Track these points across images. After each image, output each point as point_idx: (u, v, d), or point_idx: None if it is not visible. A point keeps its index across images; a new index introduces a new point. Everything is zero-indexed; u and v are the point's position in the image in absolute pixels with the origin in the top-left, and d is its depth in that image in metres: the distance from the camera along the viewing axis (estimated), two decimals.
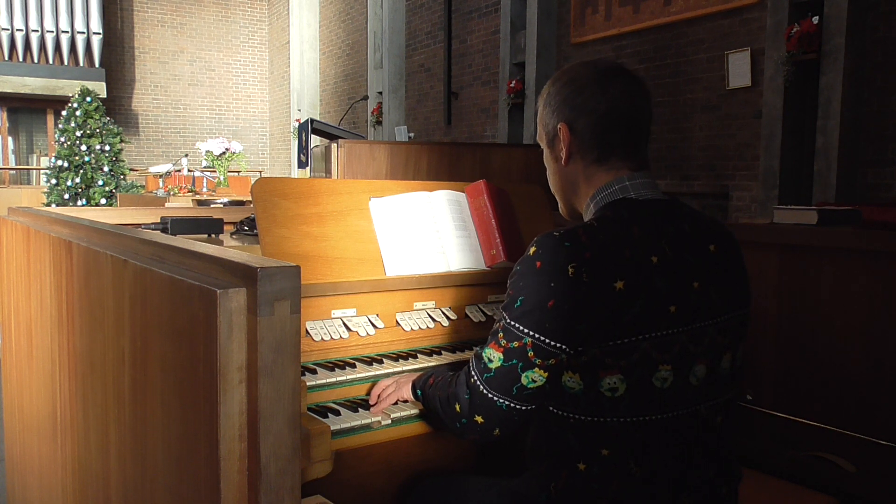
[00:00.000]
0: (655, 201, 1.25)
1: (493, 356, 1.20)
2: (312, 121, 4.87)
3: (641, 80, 1.31)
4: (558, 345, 1.14)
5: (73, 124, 10.07)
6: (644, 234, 1.19)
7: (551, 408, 1.21)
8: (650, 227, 1.20)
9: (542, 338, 1.15)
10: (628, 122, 1.27)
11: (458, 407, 1.26)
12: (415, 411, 1.43)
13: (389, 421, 1.41)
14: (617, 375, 1.14)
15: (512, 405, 1.20)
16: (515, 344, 1.17)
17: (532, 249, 1.18)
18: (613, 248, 1.16)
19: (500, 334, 1.20)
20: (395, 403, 1.46)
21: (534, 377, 1.17)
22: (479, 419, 1.23)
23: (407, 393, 1.45)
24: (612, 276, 1.13)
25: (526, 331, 1.16)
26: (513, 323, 1.18)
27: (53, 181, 10.06)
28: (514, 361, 1.17)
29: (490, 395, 1.20)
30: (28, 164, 13.34)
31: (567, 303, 1.13)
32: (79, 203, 9.96)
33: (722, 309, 1.22)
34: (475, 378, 1.23)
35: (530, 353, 1.16)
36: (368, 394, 1.51)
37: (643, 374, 1.15)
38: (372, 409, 1.45)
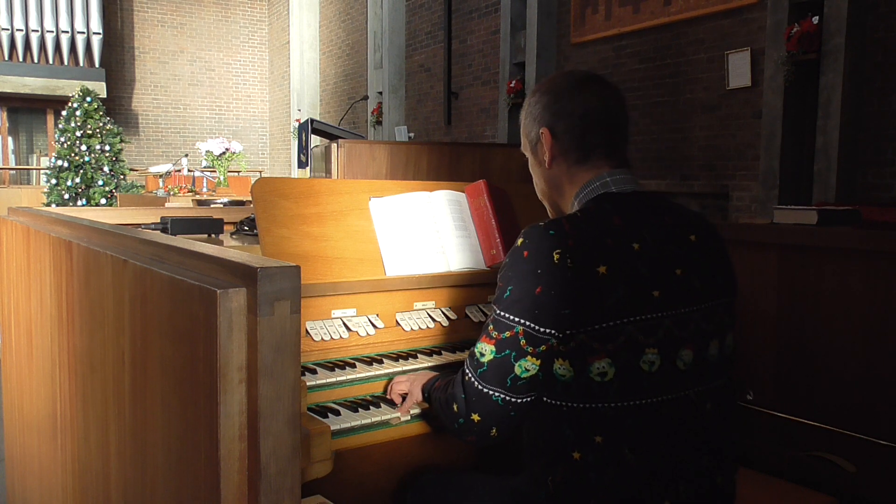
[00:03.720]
0: (636, 193, 1.31)
1: (486, 349, 1.22)
2: (312, 121, 4.86)
3: (615, 86, 1.38)
4: (548, 330, 1.17)
5: (73, 124, 10.07)
6: (625, 224, 1.23)
7: (544, 398, 1.22)
8: (631, 218, 1.25)
9: (532, 325, 1.17)
10: (605, 124, 1.33)
11: (455, 407, 1.27)
12: (413, 411, 1.44)
13: (383, 419, 1.41)
14: (605, 360, 1.17)
15: (507, 398, 1.21)
16: (507, 334, 1.19)
17: (519, 241, 1.23)
18: (595, 235, 1.20)
19: (491, 327, 1.22)
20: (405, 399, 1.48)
21: (527, 366, 1.19)
22: (475, 417, 1.24)
23: (417, 394, 1.46)
24: (595, 261, 1.17)
25: (516, 319, 1.18)
26: (502, 313, 1.21)
27: (53, 181, 10.05)
28: (507, 352, 1.19)
29: (485, 390, 1.22)
30: (28, 164, 13.33)
31: (553, 288, 1.16)
32: (79, 203, 9.96)
33: (706, 296, 1.25)
34: (469, 375, 1.25)
35: (522, 342, 1.18)
36: (371, 394, 1.51)
37: (630, 357, 1.17)
38: (388, 393, 1.48)
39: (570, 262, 1.16)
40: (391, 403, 1.48)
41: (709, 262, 1.28)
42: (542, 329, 1.17)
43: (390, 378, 1.54)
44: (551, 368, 1.19)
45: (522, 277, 1.19)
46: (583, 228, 1.21)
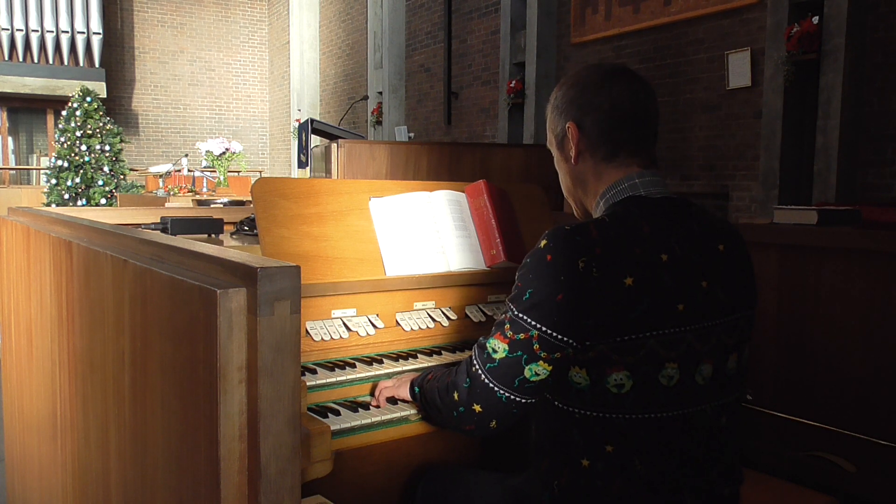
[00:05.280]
0: (665, 199, 1.26)
1: (498, 347, 1.20)
2: (312, 121, 4.87)
3: (645, 80, 1.33)
4: (565, 339, 1.15)
5: (73, 124, 10.07)
6: (654, 232, 1.19)
7: (556, 403, 1.21)
8: (660, 225, 1.21)
9: (549, 331, 1.15)
10: (634, 119, 1.29)
11: (456, 395, 1.26)
12: (412, 411, 1.43)
13: (383, 419, 1.41)
14: (623, 372, 1.15)
15: (512, 397, 1.20)
16: (521, 336, 1.17)
17: (543, 242, 1.19)
18: (624, 244, 1.16)
19: (507, 325, 1.20)
20: (396, 403, 1.46)
21: (537, 370, 1.17)
22: (476, 408, 1.23)
23: (404, 392, 1.45)
24: (622, 272, 1.14)
25: (533, 323, 1.16)
26: (520, 315, 1.18)
27: (53, 181, 10.06)
28: (519, 353, 1.17)
29: (491, 385, 1.20)
30: (28, 164, 13.33)
31: (576, 297, 1.13)
32: (79, 203, 9.96)
33: (729, 309, 1.23)
34: (477, 367, 1.23)
35: (536, 346, 1.16)
36: (370, 394, 1.51)
37: (649, 371, 1.15)
38: (371, 404, 1.46)
39: (596, 271, 1.13)
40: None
41: (734, 273, 1.25)
42: (559, 336, 1.15)
43: (390, 378, 1.54)
44: (566, 374, 1.18)
45: (544, 281, 1.16)
46: (611, 236, 1.17)
